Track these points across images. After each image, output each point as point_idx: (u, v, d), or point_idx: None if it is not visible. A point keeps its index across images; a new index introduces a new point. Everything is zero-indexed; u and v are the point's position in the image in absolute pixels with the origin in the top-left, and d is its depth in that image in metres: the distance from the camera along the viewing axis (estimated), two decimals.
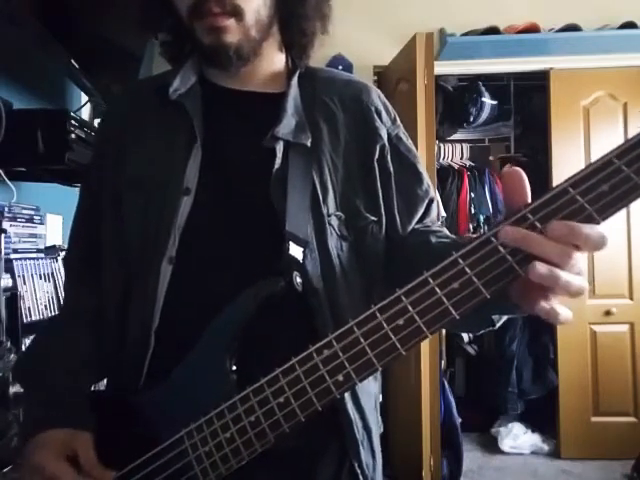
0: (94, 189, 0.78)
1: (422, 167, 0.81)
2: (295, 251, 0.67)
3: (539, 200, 0.50)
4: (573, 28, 2.70)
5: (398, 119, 0.81)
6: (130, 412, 0.65)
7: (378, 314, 0.55)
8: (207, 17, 0.68)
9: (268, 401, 0.58)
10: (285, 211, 0.67)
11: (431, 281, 0.53)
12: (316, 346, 0.57)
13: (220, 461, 0.60)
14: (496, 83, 3.27)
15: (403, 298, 0.54)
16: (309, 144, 0.72)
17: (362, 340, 0.55)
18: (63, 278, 0.86)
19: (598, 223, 0.48)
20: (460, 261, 0.52)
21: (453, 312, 0.52)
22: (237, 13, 0.69)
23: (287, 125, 0.71)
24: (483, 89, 3.15)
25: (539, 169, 2.98)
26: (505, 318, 0.64)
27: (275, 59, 0.80)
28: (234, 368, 0.63)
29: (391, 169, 0.76)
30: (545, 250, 0.49)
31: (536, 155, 3.17)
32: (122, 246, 0.72)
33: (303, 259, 0.68)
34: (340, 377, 0.56)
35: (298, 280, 0.65)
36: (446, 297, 0.52)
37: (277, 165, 0.70)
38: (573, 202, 0.48)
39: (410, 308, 0.53)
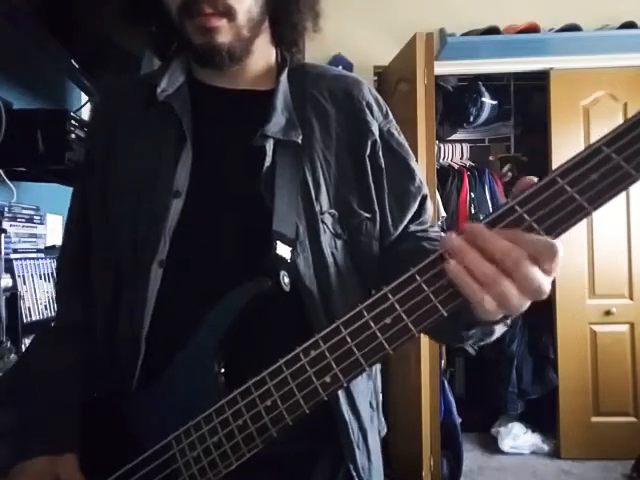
0: (85, 190, 0.77)
1: (414, 163, 0.79)
2: (282, 250, 0.65)
3: (527, 192, 0.49)
4: (573, 28, 2.70)
5: (390, 113, 0.80)
6: (120, 418, 0.64)
7: (365, 313, 0.53)
8: (198, 17, 0.67)
9: (255, 404, 0.56)
10: (272, 210, 0.67)
11: (418, 278, 0.52)
12: (303, 346, 0.55)
13: (208, 466, 0.58)
14: (496, 83, 3.28)
15: (390, 296, 0.52)
16: (300, 141, 0.71)
17: (349, 340, 0.53)
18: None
19: (590, 213, 0.46)
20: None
21: (441, 309, 0.51)
22: (229, 13, 0.67)
23: (277, 123, 0.70)
24: (483, 89, 3.15)
25: (539, 169, 2.99)
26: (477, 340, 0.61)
27: (266, 55, 0.79)
28: (222, 370, 0.62)
29: (382, 165, 0.75)
30: (477, 265, 0.48)
31: (536, 155, 3.17)
32: (112, 248, 0.71)
33: (294, 258, 0.67)
34: (327, 378, 0.54)
35: (286, 280, 0.64)
36: (433, 294, 0.51)
37: (267, 164, 0.69)
38: (562, 192, 0.47)
39: (397, 306, 0.52)
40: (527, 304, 0.50)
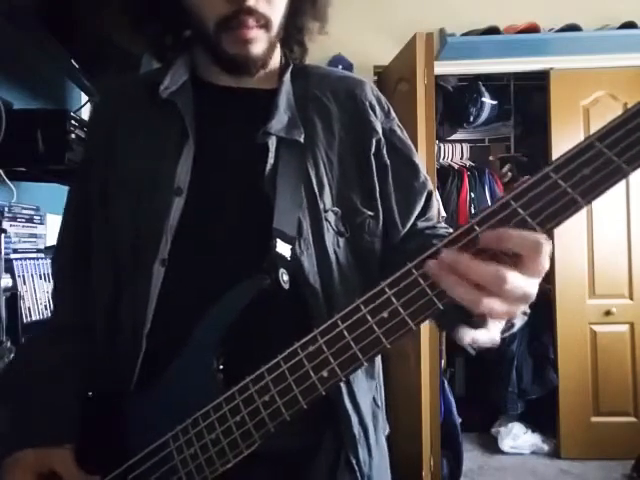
0: (86, 188, 0.77)
1: (418, 159, 0.80)
2: (282, 248, 0.66)
3: (522, 187, 0.50)
4: (573, 28, 2.70)
5: (392, 112, 0.80)
6: (118, 415, 0.64)
7: (362, 307, 0.53)
8: (239, 29, 0.67)
9: (253, 400, 0.57)
10: (274, 208, 0.67)
11: (414, 272, 0.52)
12: (301, 341, 0.56)
13: (205, 463, 0.58)
14: (496, 83, 3.28)
15: (387, 289, 0.53)
16: (302, 140, 0.71)
17: (346, 334, 0.54)
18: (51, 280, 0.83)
19: (582, 207, 0.47)
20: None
21: (437, 302, 0.51)
22: (266, 25, 0.69)
23: (279, 121, 0.71)
24: (483, 89, 3.15)
25: (539, 169, 2.98)
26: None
27: (274, 57, 0.79)
28: (221, 367, 0.62)
29: (387, 163, 0.76)
30: (456, 290, 0.49)
31: (536, 155, 3.17)
32: (112, 247, 0.71)
33: (299, 255, 0.67)
34: (325, 373, 0.54)
35: (285, 277, 0.64)
36: (430, 287, 0.51)
37: (270, 161, 0.69)
38: (555, 186, 0.48)
39: (394, 300, 0.52)
40: (518, 310, 0.51)
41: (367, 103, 0.77)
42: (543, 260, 0.48)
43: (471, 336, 0.58)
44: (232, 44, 0.69)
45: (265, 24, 0.69)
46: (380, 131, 0.76)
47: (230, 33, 0.68)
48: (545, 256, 0.48)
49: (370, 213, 0.74)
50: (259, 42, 0.69)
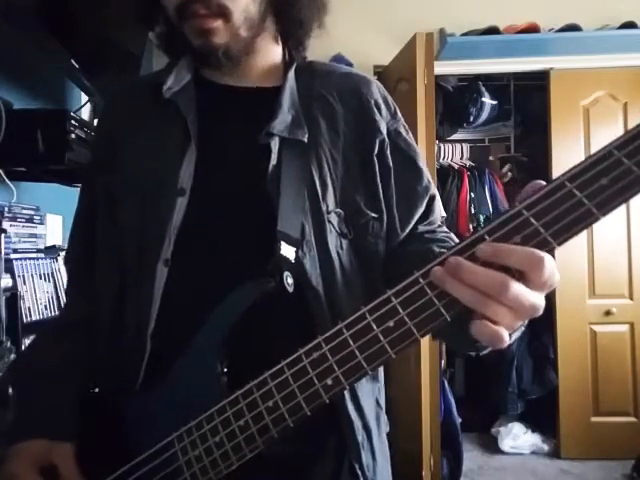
0: (92, 189, 0.77)
1: (422, 163, 0.79)
2: (287, 251, 0.65)
3: (535, 195, 0.47)
4: (573, 28, 2.70)
5: (399, 113, 0.79)
6: (122, 415, 0.64)
7: (368, 315, 0.52)
8: (194, 19, 0.67)
9: (257, 405, 0.56)
10: (277, 210, 0.66)
11: (421, 280, 0.51)
12: (305, 348, 0.55)
13: (210, 466, 0.58)
14: (496, 83, 3.28)
15: (393, 298, 0.52)
16: (306, 140, 0.70)
17: (351, 342, 0.53)
18: (64, 278, 0.85)
19: (598, 219, 0.45)
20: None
21: (444, 313, 0.50)
22: (224, 14, 0.67)
23: (282, 121, 0.70)
24: (483, 89, 3.15)
25: (539, 169, 2.99)
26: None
27: (271, 52, 0.78)
28: (225, 370, 0.62)
29: (391, 164, 0.74)
30: (460, 292, 0.48)
31: (536, 155, 3.17)
32: (117, 248, 0.71)
33: (301, 258, 0.67)
34: (329, 381, 0.53)
35: (289, 280, 0.63)
36: (437, 298, 0.50)
37: (273, 162, 0.68)
38: (570, 196, 0.46)
39: (400, 309, 0.51)
40: (522, 321, 0.50)
41: (372, 102, 0.76)
42: (547, 275, 0.47)
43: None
44: (193, 35, 0.69)
45: (220, 13, 0.67)
46: (384, 131, 0.75)
47: (188, 24, 0.68)
48: (548, 272, 0.46)
49: (374, 215, 0.73)
50: (218, 33, 0.68)
